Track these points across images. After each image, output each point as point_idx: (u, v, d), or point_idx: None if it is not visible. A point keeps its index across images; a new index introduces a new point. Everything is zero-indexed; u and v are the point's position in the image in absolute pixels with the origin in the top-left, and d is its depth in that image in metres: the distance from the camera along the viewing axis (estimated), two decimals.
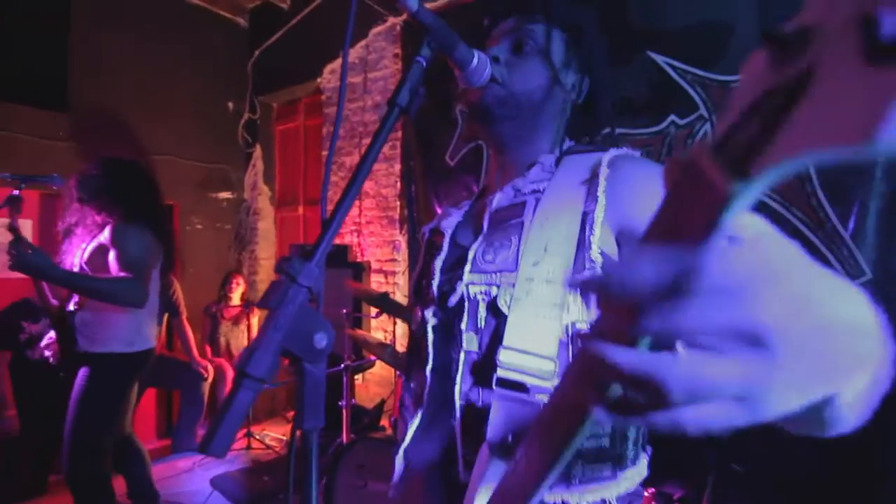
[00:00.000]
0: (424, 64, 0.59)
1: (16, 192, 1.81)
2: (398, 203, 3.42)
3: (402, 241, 3.41)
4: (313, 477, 0.46)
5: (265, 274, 4.47)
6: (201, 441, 0.39)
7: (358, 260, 3.56)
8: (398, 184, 3.40)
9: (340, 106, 0.57)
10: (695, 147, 0.24)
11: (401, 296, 3.32)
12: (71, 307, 2.04)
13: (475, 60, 0.65)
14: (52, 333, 2.12)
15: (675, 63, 2.25)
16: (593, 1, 2.48)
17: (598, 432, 0.62)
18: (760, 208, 2.05)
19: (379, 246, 3.54)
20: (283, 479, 2.82)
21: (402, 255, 3.40)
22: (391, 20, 3.40)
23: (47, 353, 2.14)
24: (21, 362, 2.67)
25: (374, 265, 3.54)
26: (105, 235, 1.97)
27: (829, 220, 1.93)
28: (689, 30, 2.23)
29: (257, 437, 3.53)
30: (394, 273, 3.44)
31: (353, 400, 2.53)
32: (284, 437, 3.51)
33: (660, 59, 2.28)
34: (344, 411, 2.37)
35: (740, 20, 2.12)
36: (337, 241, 3.79)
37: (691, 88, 2.22)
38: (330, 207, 0.51)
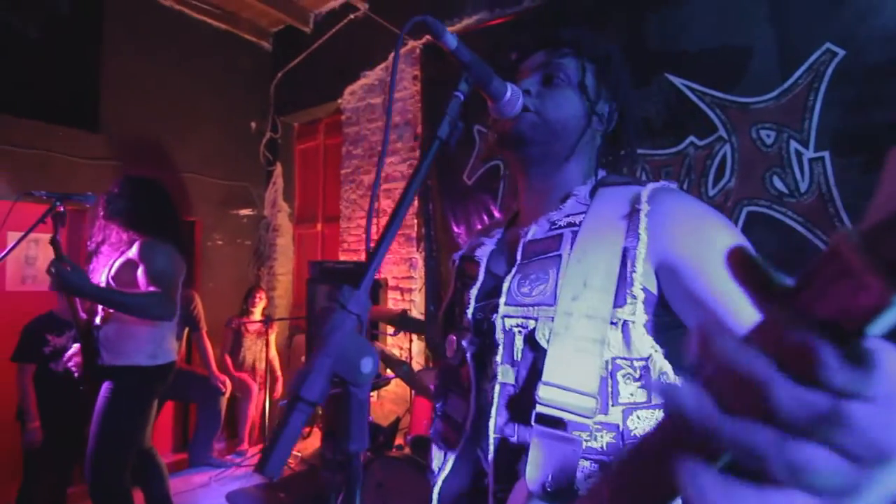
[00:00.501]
0: (462, 98, 0.62)
1: (61, 208, 1.89)
2: (415, 221, 3.46)
3: (418, 258, 3.44)
4: (357, 498, 0.48)
5: (283, 289, 4.53)
6: (257, 462, 0.41)
7: (375, 277, 3.59)
8: (415, 202, 3.44)
9: (386, 139, 0.60)
10: (838, 237, 0.21)
11: (416, 313, 3.34)
12: (96, 321, 2.09)
13: (508, 93, 0.68)
14: (76, 346, 2.17)
15: (694, 85, 2.27)
16: (612, 24, 2.54)
17: None
18: (781, 229, 2.04)
19: (396, 263, 3.57)
20: (299, 495, 2.81)
21: (419, 273, 3.43)
22: (411, 43, 3.49)
23: (71, 366, 2.19)
24: (46, 375, 2.73)
25: (391, 282, 3.56)
26: (133, 251, 2.03)
27: None
28: (707, 52, 2.26)
29: None
30: (410, 290, 3.46)
31: (370, 417, 2.53)
32: (299, 454, 3.51)
33: (678, 81, 2.30)
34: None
35: (758, 42, 2.14)
36: (353, 258, 3.83)
37: (710, 110, 2.23)
38: (374, 213, 0.53)
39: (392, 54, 3.62)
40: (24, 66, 3.28)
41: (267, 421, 3.62)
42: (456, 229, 3.21)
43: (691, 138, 2.28)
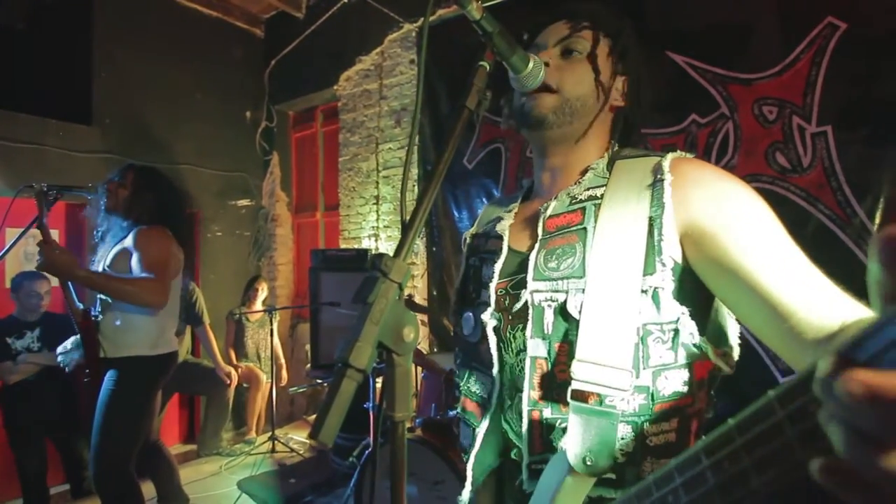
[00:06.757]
0: (488, 68, 0.61)
1: (44, 187, 1.85)
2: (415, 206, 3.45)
3: (420, 244, 3.43)
4: (404, 464, 0.48)
5: (283, 279, 4.52)
6: (311, 428, 0.42)
7: None
8: (416, 188, 3.43)
9: (416, 115, 0.59)
10: None
11: (420, 299, 3.34)
12: (95, 312, 2.06)
13: (531, 64, 0.67)
14: (72, 340, 2.14)
15: (695, 62, 2.26)
16: (612, 2, 2.51)
17: (665, 428, 0.62)
18: (784, 204, 2.04)
19: None
20: (309, 481, 2.85)
21: (421, 259, 3.43)
22: (406, 27, 3.44)
23: (69, 362, 2.15)
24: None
25: None
26: (128, 240, 2.00)
27: (856, 216, 1.92)
28: (707, 29, 2.24)
29: (281, 440, 3.57)
30: (413, 276, 3.47)
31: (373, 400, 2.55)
32: (308, 441, 3.54)
33: (679, 58, 2.29)
34: (371, 413, 2.39)
35: (759, 17, 2.12)
36: (355, 245, 3.82)
37: (712, 87, 2.23)
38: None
39: (387, 37, 3.54)
40: (14, 59, 3.22)
41: (274, 409, 3.64)
42: (457, 214, 3.20)
43: (693, 116, 2.27)
